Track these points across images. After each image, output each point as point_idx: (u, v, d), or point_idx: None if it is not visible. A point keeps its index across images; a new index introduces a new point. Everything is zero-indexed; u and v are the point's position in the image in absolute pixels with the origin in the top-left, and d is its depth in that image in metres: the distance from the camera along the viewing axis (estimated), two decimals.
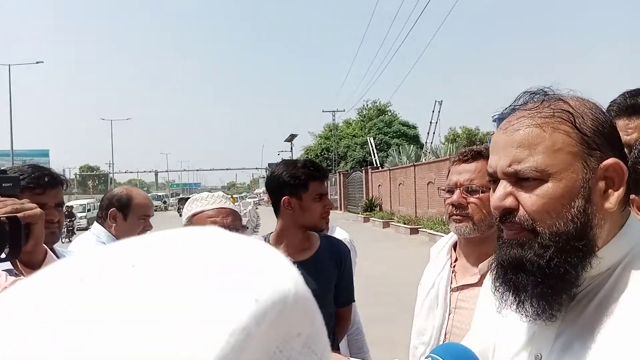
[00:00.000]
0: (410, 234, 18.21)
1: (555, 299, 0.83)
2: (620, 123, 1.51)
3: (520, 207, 0.85)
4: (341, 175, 35.15)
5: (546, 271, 0.82)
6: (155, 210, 3.96)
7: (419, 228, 18.15)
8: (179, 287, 0.26)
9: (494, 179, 0.90)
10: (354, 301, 2.29)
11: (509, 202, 0.85)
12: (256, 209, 23.00)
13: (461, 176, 1.60)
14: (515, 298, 0.87)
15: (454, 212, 1.59)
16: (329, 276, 2.08)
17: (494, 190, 0.90)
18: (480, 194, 1.54)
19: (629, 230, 0.87)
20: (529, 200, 0.83)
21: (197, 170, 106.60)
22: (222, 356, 0.24)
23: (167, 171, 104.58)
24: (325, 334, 0.31)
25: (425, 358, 0.89)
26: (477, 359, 0.88)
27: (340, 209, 33.24)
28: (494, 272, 0.91)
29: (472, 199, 1.56)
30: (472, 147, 1.65)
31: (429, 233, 16.15)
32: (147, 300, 0.25)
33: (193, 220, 1.97)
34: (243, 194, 62.00)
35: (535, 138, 0.83)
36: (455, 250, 1.72)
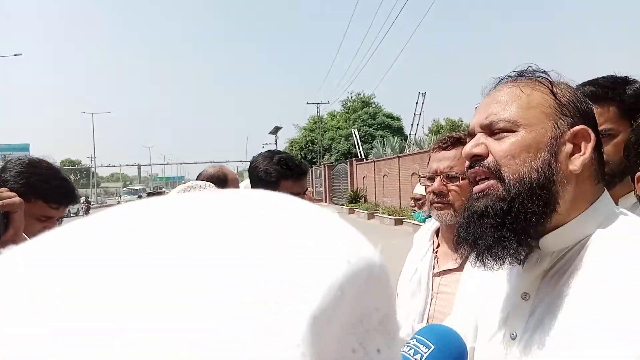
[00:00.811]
0: (395, 224, 18.35)
1: (514, 245, 0.87)
2: None
3: (489, 154, 0.89)
4: (326, 167, 35.16)
5: (507, 214, 0.86)
6: None
7: (404, 219, 18.28)
8: (277, 241, 0.26)
9: (472, 136, 0.94)
10: None
11: (479, 149, 0.90)
12: None
13: (441, 163, 1.62)
14: (475, 247, 0.90)
15: (435, 199, 1.62)
16: None
17: None
18: (460, 181, 1.57)
19: (600, 205, 0.90)
20: (498, 146, 0.89)
21: (181, 163, 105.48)
22: (322, 308, 0.24)
23: (150, 164, 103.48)
24: (397, 315, 0.31)
25: (410, 339, 0.91)
26: (460, 339, 0.90)
27: (325, 201, 33.28)
28: (458, 228, 0.94)
29: (452, 187, 1.59)
30: (452, 134, 1.68)
31: (413, 224, 16.26)
32: (245, 251, 0.25)
33: None
34: None
35: (512, 96, 0.90)
36: (437, 237, 1.75)
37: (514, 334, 0.91)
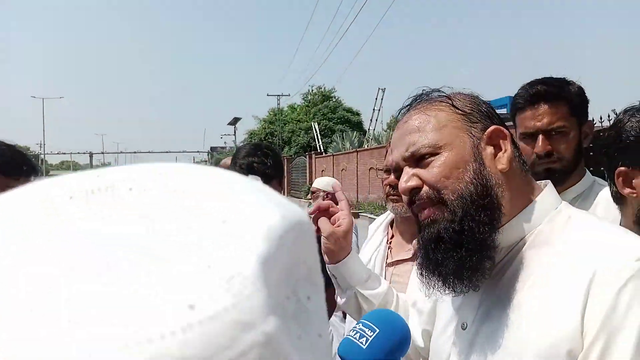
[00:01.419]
0: (353, 218, 18.54)
1: (476, 263, 0.88)
2: (529, 113, 1.62)
3: (424, 184, 0.92)
4: (285, 160, 35.06)
5: (462, 236, 0.87)
6: None
7: (360, 212, 18.50)
8: (217, 197, 0.28)
9: (399, 172, 0.97)
10: (330, 285, 2.28)
11: (413, 181, 0.93)
12: None
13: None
14: (439, 275, 0.90)
15: (391, 192, 1.66)
16: None
17: None
18: None
19: (540, 201, 0.94)
20: (429, 174, 0.91)
21: (135, 152, 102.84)
22: (269, 254, 0.26)
23: (102, 153, 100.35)
24: (320, 270, 0.33)
25: (357, 324, 0.93)
26: (404, 323, 0.93)
27: (284, 194, 33.13)
28: (418, 259, 0.95)
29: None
30: None
31: (369, 217, 16.48)
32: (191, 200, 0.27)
33: None
34: None
35: (421, 122, 0.94)
36: (392, 228, 1.79)
37: (465, 324, 0.96)
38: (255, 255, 0.25)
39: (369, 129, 36.30)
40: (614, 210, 1.28)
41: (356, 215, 18.44)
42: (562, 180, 1.59)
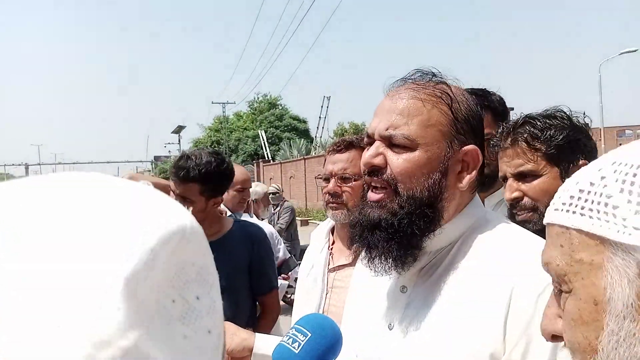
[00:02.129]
0: (301, 225, 18.50)
1: (401, 256, 0.94)
2: None
3: (388, 167, 0.94)
4: None
5: (397, 229, 0.93)
6: None
7: (309, 220, 18.56)
8: (94, 212, 0.29)
9: (371, 141, 0.98)
10: (274, 287, 2.29)
11: (378, 160, 0.95)
12: None
13: (335, 166, 1.71)
14: (367, 254, 0.97)
15: (330, 200, 1.70)
16: (238, 259, 2.12)
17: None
18: (354, 182, 1.66)
19: (471, 209, 1.00)
20: (396, 162, 0.93)
21: (74, 163, 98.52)
22: (135, 270, 0.27)
23: (39, 164, 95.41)
24: (214, 267, 0.35)
25: (290, 329, 0.96)
26: (336, 326, 0.96)
27: None
28: (352, 231, 1.00)
29: (346, 187, 1.68)
30: (345, 138, 1.77)
31: (318, 224, 16.56)
32: (64, 223, 0.28)
33: None
34: None
35: (414, 110, 0.94)
36: (332, 234, 1.84)
37: (391, 324, 0.99)
38: (120, 275, 0.26)
39: (315, 137, 36.54)
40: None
41: (306, 223, 18.49)
42: (488, 186, 1.69)
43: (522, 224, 1.36)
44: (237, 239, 2.15)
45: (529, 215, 1.36)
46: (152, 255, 0.28)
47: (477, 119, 0.99)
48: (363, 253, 0.98)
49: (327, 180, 1.72)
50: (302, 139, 35.24)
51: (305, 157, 24.99)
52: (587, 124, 1.38)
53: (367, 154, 0.95)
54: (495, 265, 0.90)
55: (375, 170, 0.95)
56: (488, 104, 1.73)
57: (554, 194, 1.30)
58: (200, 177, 1.98)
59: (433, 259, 0.98)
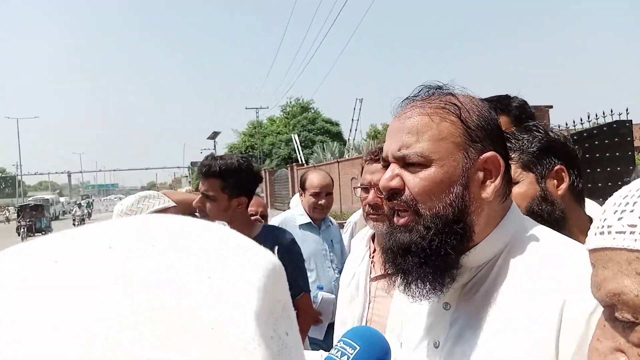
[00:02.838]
0: None
1: (437, 279, 0.91)
2: None
3: (406, 188, 0.92)
4: (267, 172, 34.97)
5: (428, 252, 0.89)
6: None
7: (344, 223, 18.52)
8: (203, 255, 0.31)
9: (387, 164, 0.96)
10: (305, 291, 2.29)
11: (395, 182, 0.92)
12: None
13: (374, 176, 1.65)
14: (402, 280, 0.93)
15: (371, 211, 1.66)
16: None
17: None
18: None
19: (508, 221, 0.95)
20: (413, 181, 0.91)
21: (114, 170, 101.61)
22: (259, 307, 0.28)
23: (81, 172, 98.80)
24: (291, 302, 0.36)
25: (337, 342, 0.94)
26: (384, 340, 0.94)
27: (268, 206, 33.05)
28: (385, 257, 0.98)
29: None
30: (381, 145, 1.72)
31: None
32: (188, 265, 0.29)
33: None
34: None
35: (423, 126, 0.91)
36: (373, 242, 1.80)
37: (437, 342, 0.96)
38: (251, 313, 0.28)
39: (348, 139, 36.47)
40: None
41: (341, 226, 18.42)
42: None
43: None
44: (263, 245, 2.14)
45: None
46: (264, 293, 0.30)
47: (493, 124, 0.94)
48: (399, 280, 0.95)
49: (366, 190, 1.68)
50: (335, 142, 35.20)
51: (339, 160, 24.96)
52: (565, 134, 1.45)
53: (384, 177, 0.94)
54: (542, 281, 0.86)
55: (394, 193, 0.93)
56: (503, 109, 1.72)
57: (532, 198, 1.30)
58: (221, 173, 2.03)
59: (475, 275, 0.95)
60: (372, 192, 1.66)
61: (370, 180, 1.67)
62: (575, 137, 6.11)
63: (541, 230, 0.96)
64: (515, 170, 1.32)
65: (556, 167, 1.32)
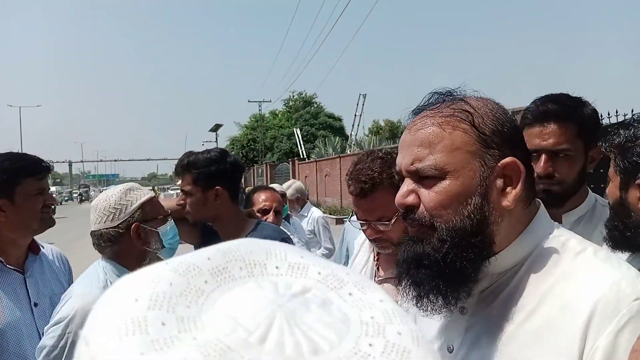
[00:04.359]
0: (336, 224, 18.50)
1: (452, 293, 0.87)
2: (536, 130, 1.54)
3: (421, 204, 0.88)
4: (268, 166, 34.93)
5: (442, 265, 0.86)
6: None
7: (344, 218, 18.47)
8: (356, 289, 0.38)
9: (401, 177, 0.92)
10: None
11: (411, 199, 0.89)
12: None
13: (366, 213, 1.55)
14: (415, 293, 0.89)
15: (374, 240, 1.59)
16: None
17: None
18: (392, 223, 1.51)
19: (533, 228, 0.91)
20: (428, 196, 0.87)
21: (115, 160, 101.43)
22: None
23: (82, 161, 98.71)
24: None
25: None
26: None
27: None
28: (398, 268, 0.94)
29: (384, 229, 1.54)
30: (361, 177, 1.55)
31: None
32: None
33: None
34: (166, 186, 59.72)
35: (435, 137, 0.86)
36: None
37: (451, 347, 0.93)
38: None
39: (351, 134, 36.36)
40: None
41: (341, 221, 18.40)
42: (560, 203, 1.55)
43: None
44: None
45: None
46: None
47: (511, 128, 0.89)
48: (412, 292, 0.90)
49: (363, 223, 1.59)
50: (337, 137, 35.11)
51: (341, 155, 24.89)
52: None
53: (399, 194, 0.91)
54: (567, 294, 0.82)
55: (410, 210, 0.90)
56: (574, 117, 1.54)
57: (614, 200, 1.24)
58: (190, 165, 2.04)
59: (495, 281, 0.91)
60: (369, 229, 1.56)
61: (366, 218, 1.56)
62: None
63: (572, 239, 0.92)
64: (611, 168, 1.28)
65: None
